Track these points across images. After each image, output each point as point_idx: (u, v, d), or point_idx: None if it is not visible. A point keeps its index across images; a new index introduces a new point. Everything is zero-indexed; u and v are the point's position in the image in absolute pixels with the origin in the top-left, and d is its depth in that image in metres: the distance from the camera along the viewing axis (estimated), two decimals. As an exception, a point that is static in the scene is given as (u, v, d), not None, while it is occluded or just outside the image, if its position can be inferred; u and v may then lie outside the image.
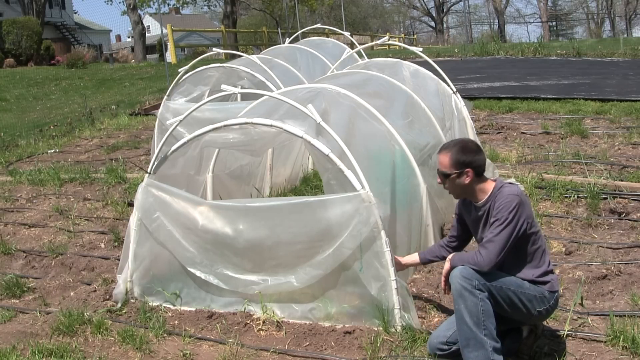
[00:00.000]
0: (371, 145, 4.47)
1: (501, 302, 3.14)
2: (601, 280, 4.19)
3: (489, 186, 3.27)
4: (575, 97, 10.30)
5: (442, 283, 3.32)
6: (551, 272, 3.24)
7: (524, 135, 8.35)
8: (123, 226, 5.75)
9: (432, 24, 56.29)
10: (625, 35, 40.22)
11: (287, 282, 3.89)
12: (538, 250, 3.22)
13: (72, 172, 7.84)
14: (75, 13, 45.63)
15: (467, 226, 3.52)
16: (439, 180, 3.38)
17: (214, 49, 17.51)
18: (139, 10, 31.21)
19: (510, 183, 3.27)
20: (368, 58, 7.99)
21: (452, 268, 3.21)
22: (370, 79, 5.67)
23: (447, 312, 3.88)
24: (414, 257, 3.79)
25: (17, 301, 4.66)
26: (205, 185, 5.25)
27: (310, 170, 7.14)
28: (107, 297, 4.49)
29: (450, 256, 3.29)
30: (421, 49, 7.81)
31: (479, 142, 6.27)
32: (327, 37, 18.32)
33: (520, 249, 3.17)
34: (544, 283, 3.19)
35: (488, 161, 6.25)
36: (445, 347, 3.28)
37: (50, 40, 33.06)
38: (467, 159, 3.24)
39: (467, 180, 3.25)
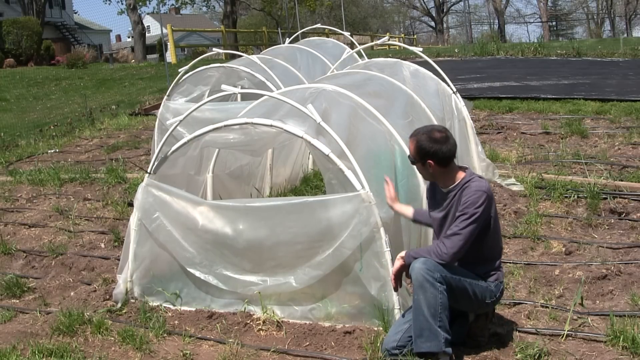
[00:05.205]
0: (371, 145, 4.47)
1: (457, 293, 3.21)
2: (601, 280, 4.19)
3: (458, 175, 3.33)
4: (575, 97, 10.28)
5: (392, 281, 3.38)
6: (499, 268, 3.37)
7: (524, 135, 8.34)
8: (123, 226, 5.74)
9: (432, 24, 56.25)
10: (625, 35, 40.23)
11: (287, 282, 3.89)
12: (494, 248, 3.33)
13: (72, 172, 7.84)
14: (75, 13, 45.61)
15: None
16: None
17: (214, 49, 17.51)
18: (138, 10, 31.18)
19: (479, 177, 3.33)
20: (368, 58, 7.98)
21: (406, 265, 3.27)
22: (370, 79, 5.66)
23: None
24: (408, 210, 3.79)
25: (17, 301, 4.67)
26: (205, 185, 5.24)
27: (310, 170, 7.13)
28: (107, 297, 4.49)
29: (402, 254, 3.33)
30: (421, 49, 7.80)
31: (479, 142, 6.31)
32: (327, 37, 18.31)
33: (478, 245, 3.24)
34: (491, 276, 3.32)
35: (488, 161, 6.27)
36: (397, 351, 3.28)
37: (51, 40, 33.02)
38: (431, 150, 3.27)
39: (430, 169, 3.33)
